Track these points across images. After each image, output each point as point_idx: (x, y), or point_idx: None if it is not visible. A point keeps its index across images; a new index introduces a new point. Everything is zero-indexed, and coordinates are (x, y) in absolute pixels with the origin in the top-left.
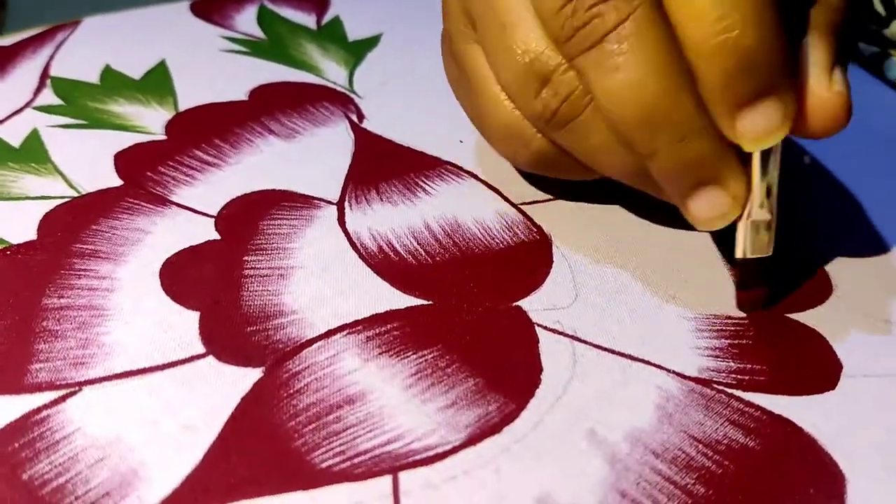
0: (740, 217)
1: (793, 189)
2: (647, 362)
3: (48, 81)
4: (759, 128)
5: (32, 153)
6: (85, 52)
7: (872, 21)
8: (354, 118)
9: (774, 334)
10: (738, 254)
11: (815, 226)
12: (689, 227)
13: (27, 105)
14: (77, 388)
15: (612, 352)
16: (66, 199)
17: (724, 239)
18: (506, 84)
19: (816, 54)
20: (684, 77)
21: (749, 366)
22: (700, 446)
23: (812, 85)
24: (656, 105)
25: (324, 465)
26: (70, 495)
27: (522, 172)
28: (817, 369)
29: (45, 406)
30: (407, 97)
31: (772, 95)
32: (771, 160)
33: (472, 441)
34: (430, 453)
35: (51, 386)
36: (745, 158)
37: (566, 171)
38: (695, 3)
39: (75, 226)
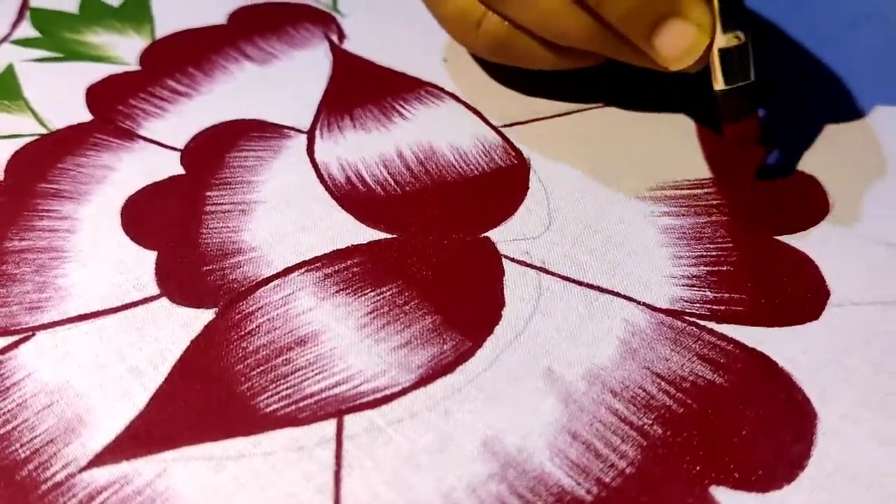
0: (711, 50)
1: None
2: (616, 294)
3: (27, 13)
4: None
5: (5, 89)
6: None
7: None
8: (335, 38)
9: (759, 260)
10: (717, 86)
11: (813, 136)
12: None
13: (4, 39)
14: (31, 333)
15: (580, 283)
16: (36, 137)
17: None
18: None
19: None
20: None
21: (727, 295)
22: (662, 384)
23: None
24: None
25: (268, 409)
26: (16, 443)
27: (505, 89)
28: (802, 298)
29: None
30: (392, 15)
31: None
32: None
33: (422, 382)
34: (378, 395)
35: (4, 332)
36: None
37: (522, 53)
38: None
39: (42, 165)
